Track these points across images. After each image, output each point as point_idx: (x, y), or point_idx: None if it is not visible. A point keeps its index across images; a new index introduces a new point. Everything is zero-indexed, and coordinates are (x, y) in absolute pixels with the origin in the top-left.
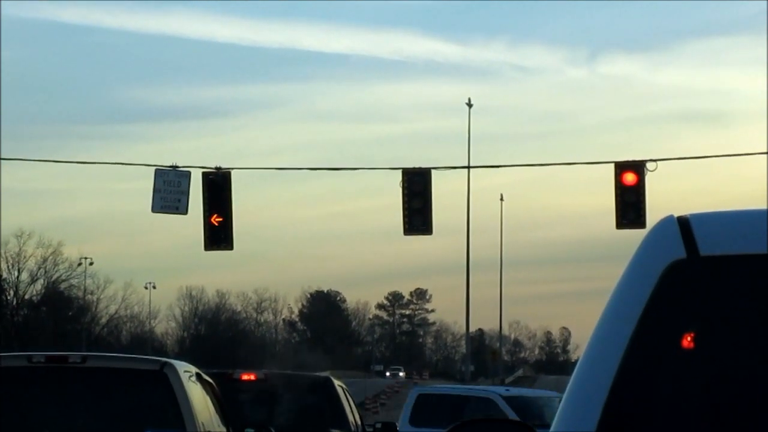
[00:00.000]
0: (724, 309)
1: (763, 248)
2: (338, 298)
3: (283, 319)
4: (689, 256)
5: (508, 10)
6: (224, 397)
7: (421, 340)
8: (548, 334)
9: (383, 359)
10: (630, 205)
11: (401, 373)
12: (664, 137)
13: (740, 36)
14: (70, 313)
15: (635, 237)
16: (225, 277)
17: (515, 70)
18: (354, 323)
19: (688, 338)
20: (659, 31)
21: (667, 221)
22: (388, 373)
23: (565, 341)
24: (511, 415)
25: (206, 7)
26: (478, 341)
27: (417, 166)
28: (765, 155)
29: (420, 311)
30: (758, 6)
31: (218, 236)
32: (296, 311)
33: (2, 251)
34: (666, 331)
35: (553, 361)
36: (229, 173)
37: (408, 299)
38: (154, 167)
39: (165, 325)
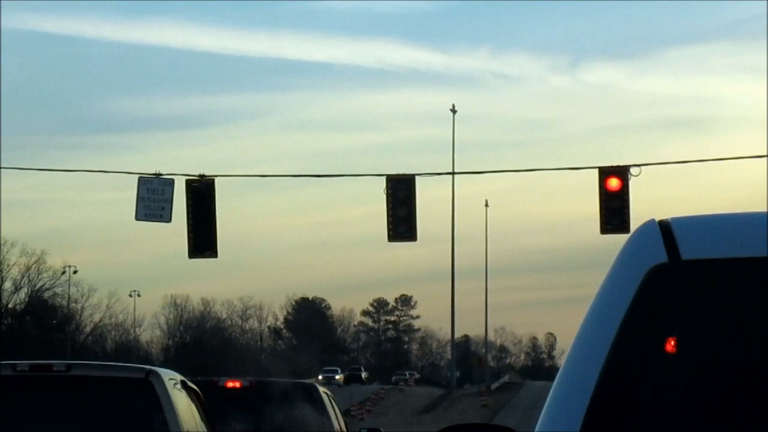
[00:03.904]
0: (707, 313)
1: (744, 252)
2: (323, 305)
3: (268, 327)
4: (671, 261)
5: (490, 18)
6: (210, 405)
7: (406, 346)
8: (534, 340)
9: (368, 366)
10: (614, 211)
11: (337, 376)
12: (646, 144)
13: (720, 43)
14: (54, 322)
15: (620, 243)
16: (210, 285)
17: (498, 78)
18: (339, 330)
19: (671, 343)
20: (640, 39)
21: (649, 225)
22: (320, 377)
23: (551, 347)
24: None
25: (190, 17)
26: (463, 347)
27: (401, 172)
28: (750, 159)
29: (405, 318)
30: (737, 14)
31: (202, 244)
32: (281, 319)
33: None
34: (648, 336)
35: (539, 366)
36: (213, 181)
37: (393, 306)
38: (138, 176)
39: (150, 334)
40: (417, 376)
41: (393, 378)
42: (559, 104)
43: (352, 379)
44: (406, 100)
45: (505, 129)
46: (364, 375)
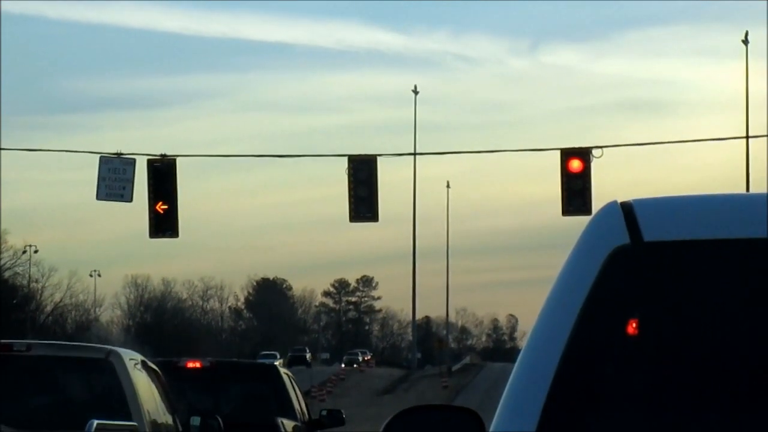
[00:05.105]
0: (669, 295)
1: (706, 234)
2: (284, 286)
3: (229, 307)
4: (633, 242)
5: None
6: (170, 385)
7: (367, 327)
8: (495, 321)
9: (330, 347)
10: (576, 192)
11: (276, 362)
12: (607, 127)
13: (680, 26)
14: (14, 302)
15: (582, 224)
16: (170, 265)
17: (458, 59)
18: (300, 311)
19: (633, 325)
20: (600, 21)
21: (611, 207)
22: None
23: (512, 328)
24: None
25: None
26: (424, 329)
27: (362, 153)
28: (712, 142)
29: (366, 299)
30: None
31: (163, 224)
32: (242, 299)
33: None
34: (610, 318)
35: (500, 348)
36: (174, 161)
37: (354, 287)
38: (99, 155)
39: (110, 314)
40: (369, 355)
41: (345, 357)
42: (520, 86)
43: (295, 361)
44: (367, 81)
45: (466, 110)
46: (308, 356)
